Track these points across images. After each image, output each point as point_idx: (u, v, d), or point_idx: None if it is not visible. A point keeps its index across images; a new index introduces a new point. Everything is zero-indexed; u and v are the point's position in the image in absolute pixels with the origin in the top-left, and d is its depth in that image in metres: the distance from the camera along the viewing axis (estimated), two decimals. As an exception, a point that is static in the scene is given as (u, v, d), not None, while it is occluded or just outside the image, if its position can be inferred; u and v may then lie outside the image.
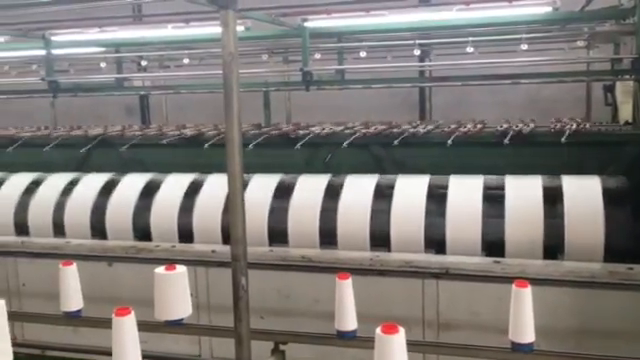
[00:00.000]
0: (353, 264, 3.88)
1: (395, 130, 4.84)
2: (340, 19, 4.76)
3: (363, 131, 4.83)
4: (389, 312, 3.75)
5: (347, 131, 4.97)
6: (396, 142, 4.57)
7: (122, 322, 2.21)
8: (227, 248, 4.26)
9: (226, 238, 4.46)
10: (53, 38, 5.33)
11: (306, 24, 4.73)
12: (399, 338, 1.99)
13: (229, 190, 2.57)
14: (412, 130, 4.78)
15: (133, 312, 2.26)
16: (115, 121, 7.71)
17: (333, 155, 4.91)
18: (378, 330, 2.02)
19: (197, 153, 4.96)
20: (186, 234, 4.55)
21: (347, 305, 2.77)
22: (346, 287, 2.78)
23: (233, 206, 2.54)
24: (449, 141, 4.42)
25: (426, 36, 5.86)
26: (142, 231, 4.64)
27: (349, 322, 2.78)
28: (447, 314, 3.80)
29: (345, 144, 4.69)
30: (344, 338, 2.78)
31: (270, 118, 6.56)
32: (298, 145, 4.72)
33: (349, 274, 2.85)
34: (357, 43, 5.58)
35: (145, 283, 4.15)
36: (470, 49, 5.02)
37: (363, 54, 5.36)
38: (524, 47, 4.86)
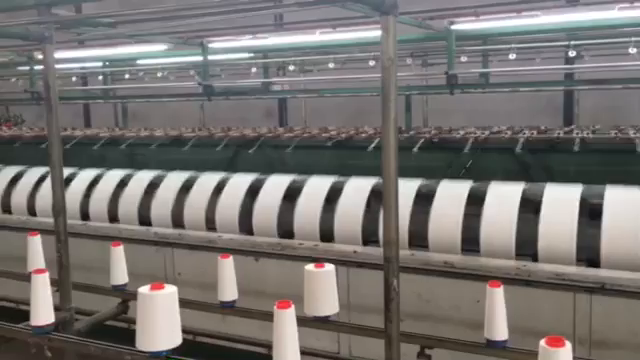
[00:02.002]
0: (498, 273, 3.77)
1: (550, 136, 4.62)
2: (488, 21, 4.63)
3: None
4: (535, 324, 3.61)
5: (492, 135, 4.84)
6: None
7: (284, 315, 2.33)
8: (368, 249, 4.37)
9: (366, 239, 4.54)
10: (210, 45, 5.71)
11: (453, 27, 4.67)
12: (565, 352, 1.91)
13: (384, 193, 2.60)
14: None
15: (293, 306, 2.36)
16: (255, 123, 8.10)
17: (475, 160, 4.81)
18: (542, 342, 1.95)
19: (342, 155, 5.08)
20: (327, 233, 4.67)
21: (498, 314, 2.70)
22: (497, 295, 2.72)
23: (387, 209, 2.57)
24: None
25: (577, 37, 5.56)
26: (286, 229, 4.83)
27: (500, 331, 2.71)
28: (601, 332, 3.58)
29: (486, 149, 4.58)
30: (494, 347, 2.71)
31: (411, 121, 6.55)
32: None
33: (500, 282, 2.78)
34: (504, 45, 5.40)
35: (288, 279, 4.34)
36: (633, 50, 4.68)
37: (512, 56, 5.17)
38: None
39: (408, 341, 2.91)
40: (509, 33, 5.01)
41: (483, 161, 4.81)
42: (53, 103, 3.27)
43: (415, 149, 4.88)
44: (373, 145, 4.90)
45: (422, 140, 4.96)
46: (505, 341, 2.72)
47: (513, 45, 5.24)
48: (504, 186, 4.31)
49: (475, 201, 4.25)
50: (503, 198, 4.18)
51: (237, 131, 6.08)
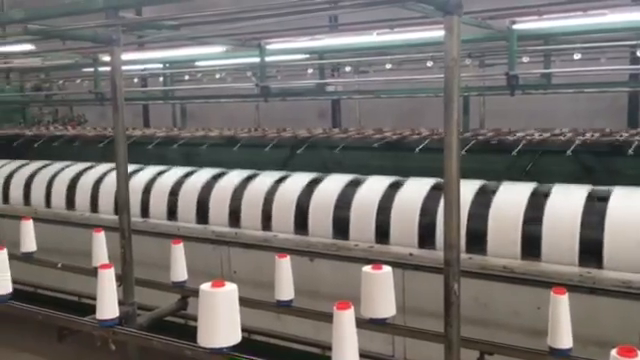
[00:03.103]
0: (560, 279, 3.66)
1: (615, 138, 4.45)
2: (551, 20, 4.49)
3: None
4: (598, 333, 3.49)
5: (554, 138, 4.70)
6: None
7: (344, 315, 2.33)
8: (424, 252, 4.32)
9: (422, 241, 4.48)
10: (267, 47, 5.76)
11: (514, 26, 4.56)
12: (639, 364, 1.84)
13: (445, 195, 2.57)
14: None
15: (352, 307, 2.36)
16: (309, 124, 8.13)
17: (536, 163, 4.69)
18: (614, 352, 1.89)
19: (397, 157, 5.04)
20: (382, 234, 4.63)
21: (563, 321, 2.64)
22: (562, 303, 2.65)
23: (449, 210, 2.53)
24: None
25: (645, 35, 5.33)
26: (341, 229, 4.81)
27: (564, 339, 2.64)
28: (671, 343, 3.42)
29: (547, 151, 4.46)
30: (558, 356, 2.64)
31: (469, 123, 6.44)
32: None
33: (565, 289, 2.71)
34: (567, 45, 5.23)
35: (343, 280, 4.34)
36: None
37: (577, 56, 5.00)
38: None
39: (468, 346, 2.87)
40: (573, 32, 4.84)
41: (544, 164, 4.68)
42: (119, 103, 3.37)
43: (463, 151, 4.78)
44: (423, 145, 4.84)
45: (473, 142, 4.87)
46: (569, 349, 2.65)
47: (577, 45, 5.08)
48: (567, 189, 4.18)
49: (536, 204, 4.14)
50: (566, 202, 4.05)
51: (295, 131, 6.09)
